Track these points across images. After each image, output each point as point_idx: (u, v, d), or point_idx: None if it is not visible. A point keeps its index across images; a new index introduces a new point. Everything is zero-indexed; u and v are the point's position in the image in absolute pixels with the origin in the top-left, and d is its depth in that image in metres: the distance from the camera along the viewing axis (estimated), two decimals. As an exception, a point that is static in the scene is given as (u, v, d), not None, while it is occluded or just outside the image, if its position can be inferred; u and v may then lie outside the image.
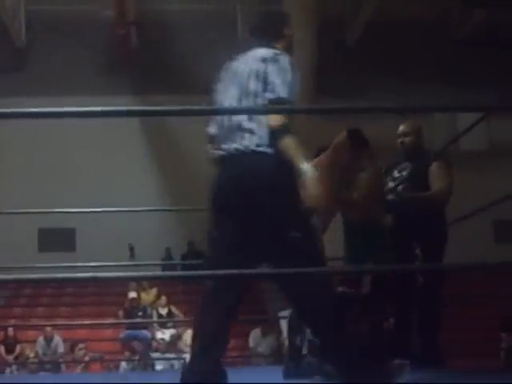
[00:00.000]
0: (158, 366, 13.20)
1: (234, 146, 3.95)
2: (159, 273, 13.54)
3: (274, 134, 3.85)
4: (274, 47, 4.13)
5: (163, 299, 14.46)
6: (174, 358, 13.52)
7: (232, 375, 3.88)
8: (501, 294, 14.56)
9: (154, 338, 13.89)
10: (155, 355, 13.52)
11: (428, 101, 14.85)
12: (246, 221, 3.89)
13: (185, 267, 15.78)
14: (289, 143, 3.82)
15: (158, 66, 18.00)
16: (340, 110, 4.80)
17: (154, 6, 18.13)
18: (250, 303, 15.25)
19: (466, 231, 14.70)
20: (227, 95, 4.13)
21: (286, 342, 5.82)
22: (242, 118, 3.95)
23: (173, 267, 16.33)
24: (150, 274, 5.78)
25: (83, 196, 15.59)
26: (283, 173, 3.86)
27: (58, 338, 13.74)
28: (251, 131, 3.93)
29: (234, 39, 18.33)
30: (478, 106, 4.89)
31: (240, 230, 3.91)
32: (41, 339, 13.75)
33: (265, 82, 3.96)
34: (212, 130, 4.19)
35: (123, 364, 13.30)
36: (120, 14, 16.84)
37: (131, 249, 16.85)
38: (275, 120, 3.82)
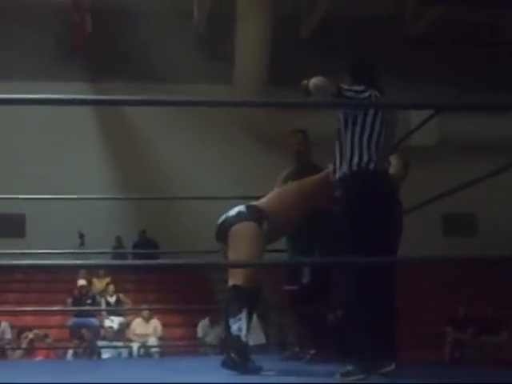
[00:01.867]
0: (105, 355, 13.17)
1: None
2: (110, 261, 13.56)
3: None
4: None
5: (111, 287, 14.47)
6: (121, 347, 13.51)
7: (180, 364, 3.93)
8: (447, 288, 14.78)
9: (102, 325, 13.87)
10: (102, 343, 13.48)
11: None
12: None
13: (136, 256, 15.72)
14: None
15: (113, 54, 17.90)
16: (293, 105, 4.86)
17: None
18: (199, 293, 15.35)
19: (415, 225, 14.92)
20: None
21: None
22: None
23: (123, 256, 16.28)
24: (100, 262, 5.78)
25: (34, 182, 15.43)
26: None
27: (5, 325, 13.62)
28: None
29: (189, 27, 18.34)
30: (429, 104, 4.98)
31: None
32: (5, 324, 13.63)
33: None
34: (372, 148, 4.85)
35: (70, 351, 13.25)
36: (76, 0, 16.72)
37: (81, 236, 16.75)
38: None
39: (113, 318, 13.98)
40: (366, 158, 4.78)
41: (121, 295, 14.36)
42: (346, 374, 4.42)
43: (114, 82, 17.16)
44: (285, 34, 17.46)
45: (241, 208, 5.57)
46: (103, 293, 14.49)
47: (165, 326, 14.36)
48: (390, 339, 4.77)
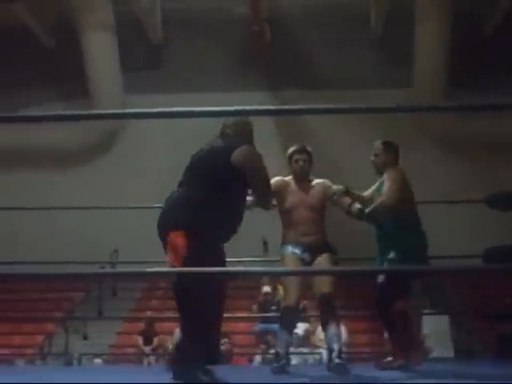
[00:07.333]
0: (292, 361, 13.23)
1: None
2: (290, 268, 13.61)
3: None
4: None
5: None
6: (307, 353, 13.54)
7: (364, 370, 3.87)
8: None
9: (287, 332, 13.94)
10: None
11: None
12: None
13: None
14: None
15: (291, 62, 18.06)
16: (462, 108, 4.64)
17: (286, 2, 18.21)
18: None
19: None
20: None
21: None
22: None
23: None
24: (282, 269, 5.79)
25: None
26: None
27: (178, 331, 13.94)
28: None
29: (366, 33, 18.23)
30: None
31: None
32: (177, 331, 13.98)
33: None
34: None
35: (257, 357, 13.41)
36: (254, 11, 16.97)
37: (265, 243, 16.90)
38: None
39: (298, 324, 14.04)
40: None
41: (305, 302, 14.40)
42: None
43: (293, 90, 17.29)
44: (465, 33, 17.04)
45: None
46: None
47: (351, 332, 14.29)
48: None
